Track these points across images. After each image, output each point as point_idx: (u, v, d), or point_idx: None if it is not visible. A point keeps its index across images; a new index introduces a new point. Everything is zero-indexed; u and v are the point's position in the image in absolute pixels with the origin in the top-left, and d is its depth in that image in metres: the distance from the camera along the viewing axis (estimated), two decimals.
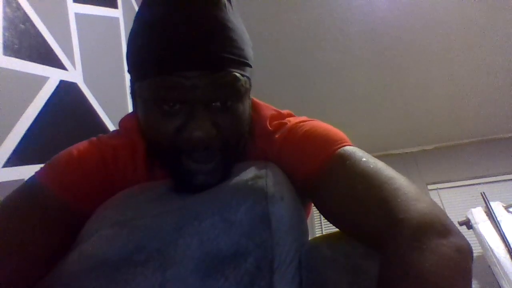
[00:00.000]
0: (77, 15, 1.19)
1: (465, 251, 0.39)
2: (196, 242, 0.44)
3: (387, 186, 0.45)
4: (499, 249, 1.93)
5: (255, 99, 0.62)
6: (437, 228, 0.39)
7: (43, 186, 0.51)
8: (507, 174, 2.88)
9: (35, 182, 0.52)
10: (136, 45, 0.49)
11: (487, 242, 1.98)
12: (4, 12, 0.88)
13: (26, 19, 0.95)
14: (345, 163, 0.49)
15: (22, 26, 0.93)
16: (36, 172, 0.54)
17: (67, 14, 1.14)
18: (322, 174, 0.50)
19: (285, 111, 0.63)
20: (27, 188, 0.52)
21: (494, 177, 2.91)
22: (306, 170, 0.52)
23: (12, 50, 0.88)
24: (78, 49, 1.16)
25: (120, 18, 1.51)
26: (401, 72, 2.44)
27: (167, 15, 0.46)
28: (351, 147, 0.52)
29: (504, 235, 1.96)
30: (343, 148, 0.51)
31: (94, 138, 0.59)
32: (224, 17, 0.47)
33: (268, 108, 0.62)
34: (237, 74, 0.48)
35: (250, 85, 0.54)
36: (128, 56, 0.51)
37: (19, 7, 0.93)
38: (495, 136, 3.04)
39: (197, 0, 0.46)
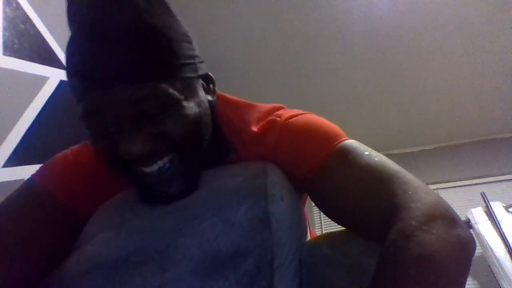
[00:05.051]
0: None
1: (469, 244, 0.40)
2: (195, 242, 0.44)
3: (396, 180, 0.45)
4: (499, 249, 1.93)
5: (237, 100, 0.59)
6: (446, 218, 0.40)
7: (40, 187, 0.51)
8: (507, 174, 2.88)
9: (32, 184, 0.52)
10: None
11: (487, 242, 1.98)
12: (4, 12, 0.88)
13: (26, 19, 0.95)
14: (347, 157, 0.48)
15: (22, 26, 0.93)
16: (32, 174, 0.54)
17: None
18: (324, 170, 0.49)
19: (270, 107, 0.59)
20: (25, 189, 0.52)
21: (494, 177, 2.91)
22: (307, 168, 0.51)
23: (12, 50, 0.88)
24: None
25: None
26: (401, 72, 2.44)
27: (79, 36, 0.44)
28: (351, 141, 0.51)
29: (504, 235, 1.96)
30: (343, 142, 0.50)
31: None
32: (140, 21, 0.43)
33: (251, 110, 0.58)
34: (162, 85, 0.43)
35: (195, 84, 0.49)
36: None
37: (19, 7, 0.93)
38: (495, 136, 3.04)
39: (106, 10, 0.43)
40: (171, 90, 0.44)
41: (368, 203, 0.45)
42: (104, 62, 0.42)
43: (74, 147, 0.59)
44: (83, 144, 0.59)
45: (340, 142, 0.50)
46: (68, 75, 0.46)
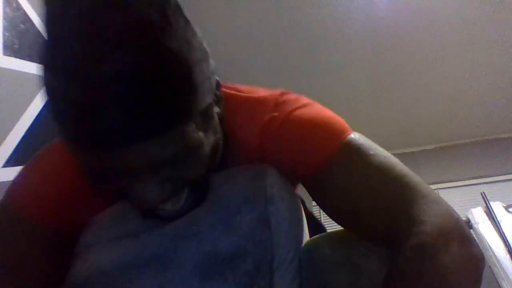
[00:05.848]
0: None
1: (481, 263, 0.40)
2: (195, 244, 0.44)
3: (404, 185, 0.44)
4: (499, 249, 1.93)
5: (238, 98, 0.53)
6: (459, 235, 0.40)
7: (19, 213, 0.48)
8: (507, 174, 2.88)
9: (10, 210, 0.48)
10: (53, 100, 0.37)
11: (487, 242, 1.98)
12: (4, 12, 0.88)
13: (26, 19, 0.95)
14: (353, 156, 0.46)
15: (22, 26, 0.93)
16: (7, 195, 0.49)
17: None
18: (327, 167, 0.46)
19: (274, 103, 0.53)
20: (4, 217, 0.48)
21: (494, 177, 2.91)
22: (308, 165, 0.48)
23: (12, 50, 0.88)
24: None
25: None
26: (401, 72, 2.44)
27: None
28: (357, 136, 0.48)
29: (504, 235, 1.96)
30: (348, 138, 0.47)
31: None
32: (156, 50, 0.34)
33: (254, 109, 0.52)
34: (183, 130, 0.37)
35: (212, 107, 0.44)
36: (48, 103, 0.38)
37: (19, 7, 0.93)
38: (495, 136, 3.04)
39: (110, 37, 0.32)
40: (192, 133, 0.38)
41: (374, 205, 0.44)
42: (110, 113, 0.32)
43: (50, 148, 0.52)
44: (58, 141, 0.51)
45: (345, 137, 0.47)
46: (56, 115, 0.36)
